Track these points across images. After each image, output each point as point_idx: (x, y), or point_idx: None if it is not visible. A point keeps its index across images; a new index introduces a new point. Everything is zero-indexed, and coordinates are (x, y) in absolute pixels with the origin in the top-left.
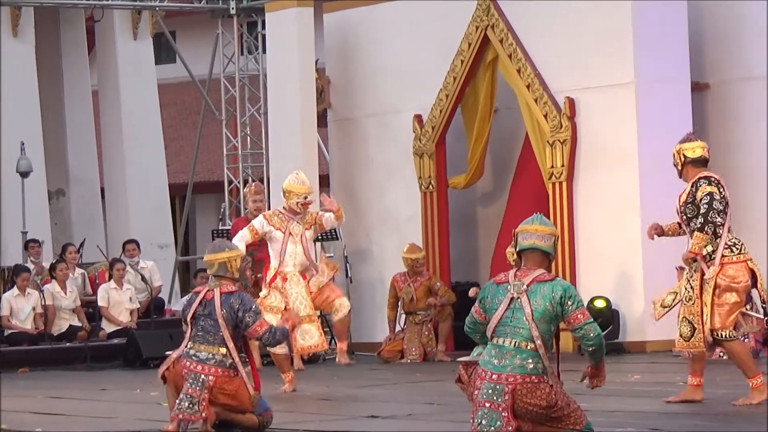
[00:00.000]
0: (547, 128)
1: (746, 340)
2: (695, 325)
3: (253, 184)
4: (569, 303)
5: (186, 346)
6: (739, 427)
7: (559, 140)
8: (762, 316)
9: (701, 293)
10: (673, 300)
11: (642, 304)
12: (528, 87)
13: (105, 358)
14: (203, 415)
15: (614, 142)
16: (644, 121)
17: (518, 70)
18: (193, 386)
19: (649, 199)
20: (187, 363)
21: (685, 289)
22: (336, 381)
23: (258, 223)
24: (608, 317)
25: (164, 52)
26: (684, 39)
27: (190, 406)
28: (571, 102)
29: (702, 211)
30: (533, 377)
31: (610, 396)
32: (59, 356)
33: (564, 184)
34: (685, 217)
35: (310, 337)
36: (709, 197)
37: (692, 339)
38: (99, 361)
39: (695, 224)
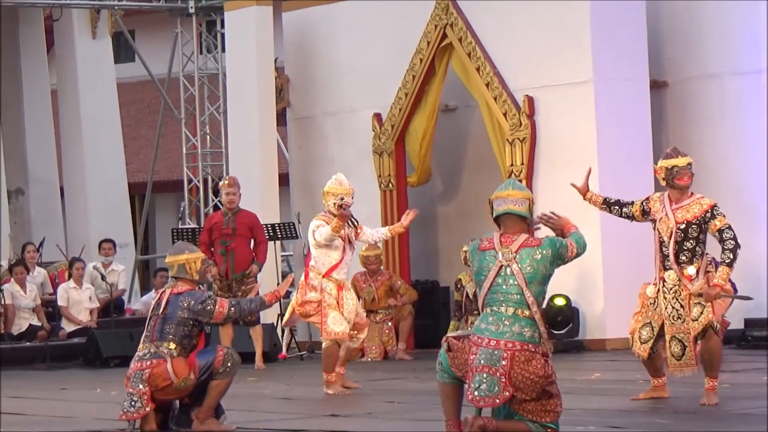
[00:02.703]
0: (507, 126)
1: None
2: (685, 343)
3: (228, 177)
4: (562, 249)
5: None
6: (698, 425)
7: (518, 138)
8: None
9: (690, 307)
10: (651, 331)
11: (602, 303)
12: (487, 85)
13: (65, 358)
14: (146, 409)
15: (573, 141)
16: (603, 119)
17: (477, 69)
18: (134, 383)
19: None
20: (132, 365)
21: (672, 308)
22: (296, 380)
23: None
24: (568, 315)
25: (123, 51)
26: (642, 37)
27: (131, 404)
28: (531, 100)
29: (730, 246)
30: (530, 345)
31: (570, 394)
32: (19, 356)
33: (523, 182)
34: (680, 231)
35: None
36: (732, 233)
37: (683, 358)
38: (59, 361)
39: (723, 258)
